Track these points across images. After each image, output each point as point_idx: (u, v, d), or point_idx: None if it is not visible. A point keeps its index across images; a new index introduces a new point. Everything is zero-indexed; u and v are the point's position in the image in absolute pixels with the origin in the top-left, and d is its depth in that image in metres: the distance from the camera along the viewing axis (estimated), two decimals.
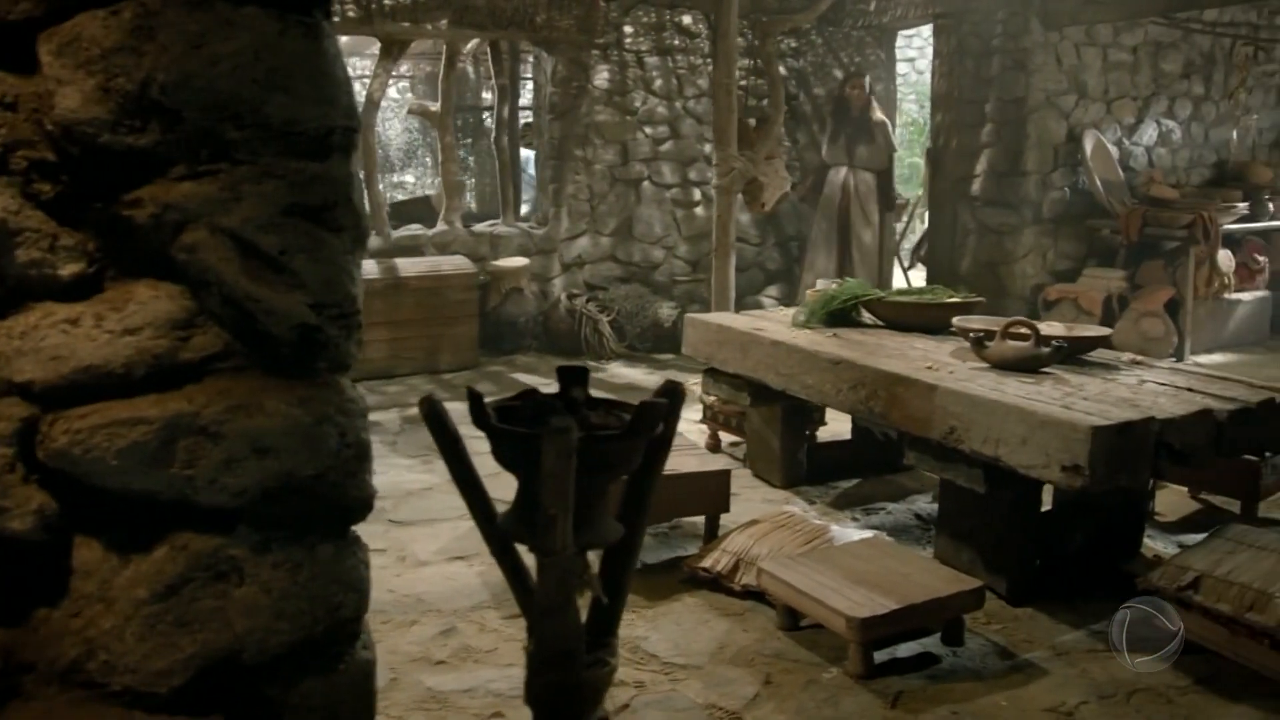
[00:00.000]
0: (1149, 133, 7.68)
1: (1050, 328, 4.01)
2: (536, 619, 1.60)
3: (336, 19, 6.69)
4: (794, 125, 8.48)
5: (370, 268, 6.77)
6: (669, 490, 3.65)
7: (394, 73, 11.46)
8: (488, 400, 1.69)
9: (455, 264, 6.99)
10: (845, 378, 3.78)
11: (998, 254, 7.37)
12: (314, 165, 1.59)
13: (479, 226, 7.68)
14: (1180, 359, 6.95)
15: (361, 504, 1.75)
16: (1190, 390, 3.42)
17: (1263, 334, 7.67)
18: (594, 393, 1.74)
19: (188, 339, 1.53)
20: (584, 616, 1.91)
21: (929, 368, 3.65)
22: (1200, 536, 3.47)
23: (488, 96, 10.19)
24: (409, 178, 11.14)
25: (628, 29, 7.74)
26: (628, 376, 6.77)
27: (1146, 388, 3.46)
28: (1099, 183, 7.15)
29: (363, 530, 4.26)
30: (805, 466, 4.56)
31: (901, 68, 11.47)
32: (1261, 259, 7.66)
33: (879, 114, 7.54)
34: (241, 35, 1.48)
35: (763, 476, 4.64)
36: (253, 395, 1.62)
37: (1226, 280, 7.15)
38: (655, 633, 3.23)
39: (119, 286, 1.51)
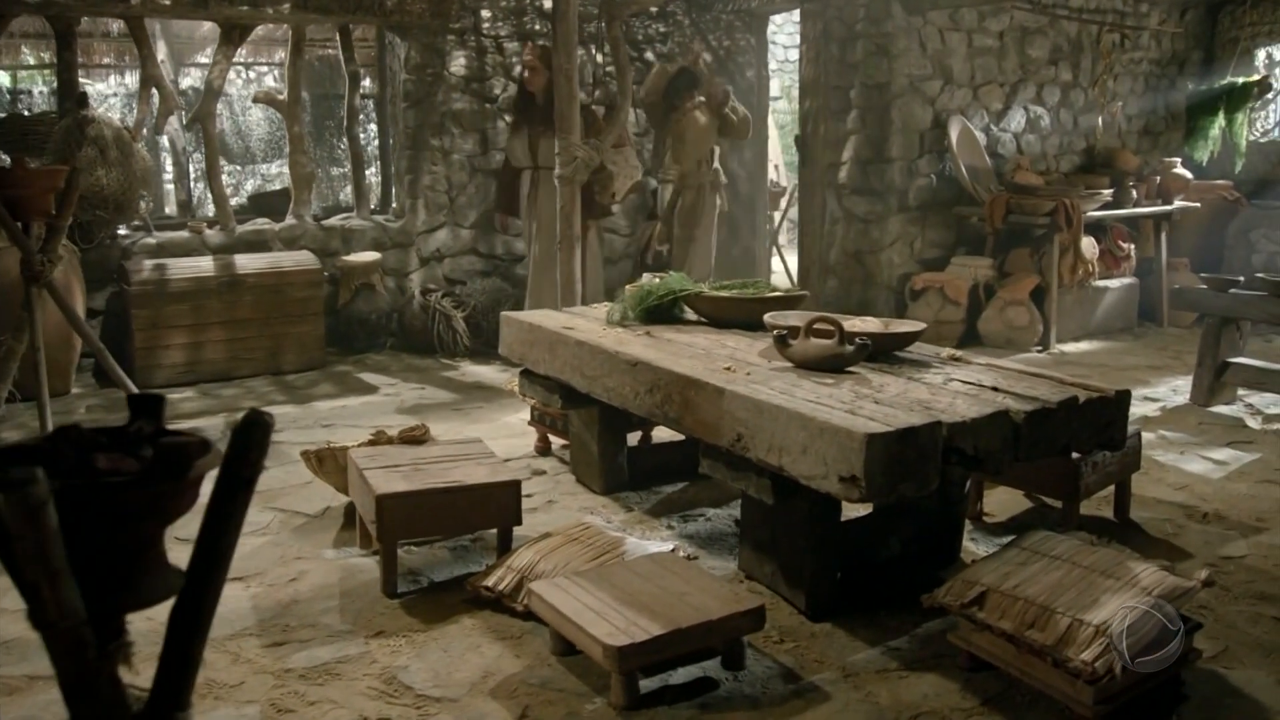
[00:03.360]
0: (1017, 119, 7.59)
1: (865, 323, 3.82)
2: (64, 696, 1.34)
3: (168, 2, 6.30)
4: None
5: (206, 265, 6.41)
6: (454, 503, 3.42)
7: (266, 61, 11.02)
8: (16, 443, 1.40)
9: (297, 259, 6.64)
10: (643, 380, 3.55)
11: (864, 243, 7.22)
12: None
13: (330, 220, 7.33)
14: (1046, 347, 6.88)
15: None
16: (995, 390, 3.25)
17: (1130, 320, 7.63)
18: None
19: None
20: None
21: (727, 369, 3.43)
22: None
23: (368, 84, 9.82)
24: (274, 168, 10.71)
25: (485, 13, 7.44)
26: (478, 374, 6.49)
27: (950, 387, 3.28)
28: (964, 169, 7.03)
29: None
30: (627, 471, 4.33)
31: (794, 54, 11.32)
32: (1127, 245, 7.61)
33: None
34: None
35: (584, 482, 4.41)
36: None
37: (1091, 267, 7.09)
38: (418, 661, 2.97)
39: None
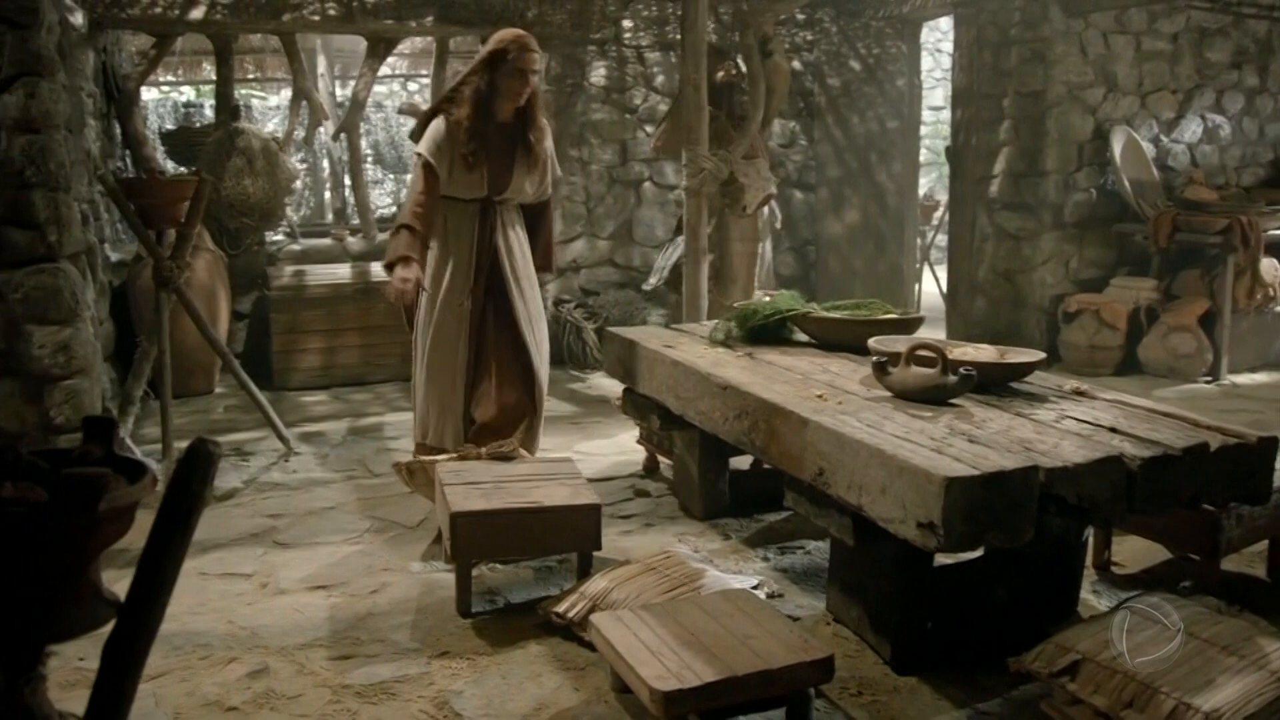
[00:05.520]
0: (1192, 129, 6.98)
1: (979, 351, 3.53)
2: None
3: (317, 17, 6.52)
4: (809, 122, 8.01)
5: (343, 271, 6.59)
6: (531, 524, 3.35)
7: (426, 73, 11.34)
8: None
9: None
10: (731, 405, 3.38)
11: (1015, 261, 6.79)
12: None
13: None
14: (1215, 378, 6.30)
15: None
16: (1112, 431, 2.93)
17: None
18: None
19: None
20: None
21: (819, 397, 3.23)
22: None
23: None
24: None
25: (627, 23, 7.40)
26: (604, 388, 6.42)
27: (1061, 426, 2.98)
28: (1128, 183, 6.51)
29: (239, 553, 4.04)
30: (728, 496, 4.16)
31: (947, 62, 10.86)
32: None
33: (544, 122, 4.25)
34: None
35: (685, 506, 4.27)
36: None
37: (1272, 291, 6.44)
38: (474, 687, 2.89)
39: None
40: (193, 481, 1.36)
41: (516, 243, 4.18)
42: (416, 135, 4.07)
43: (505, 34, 4.02)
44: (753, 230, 6.11)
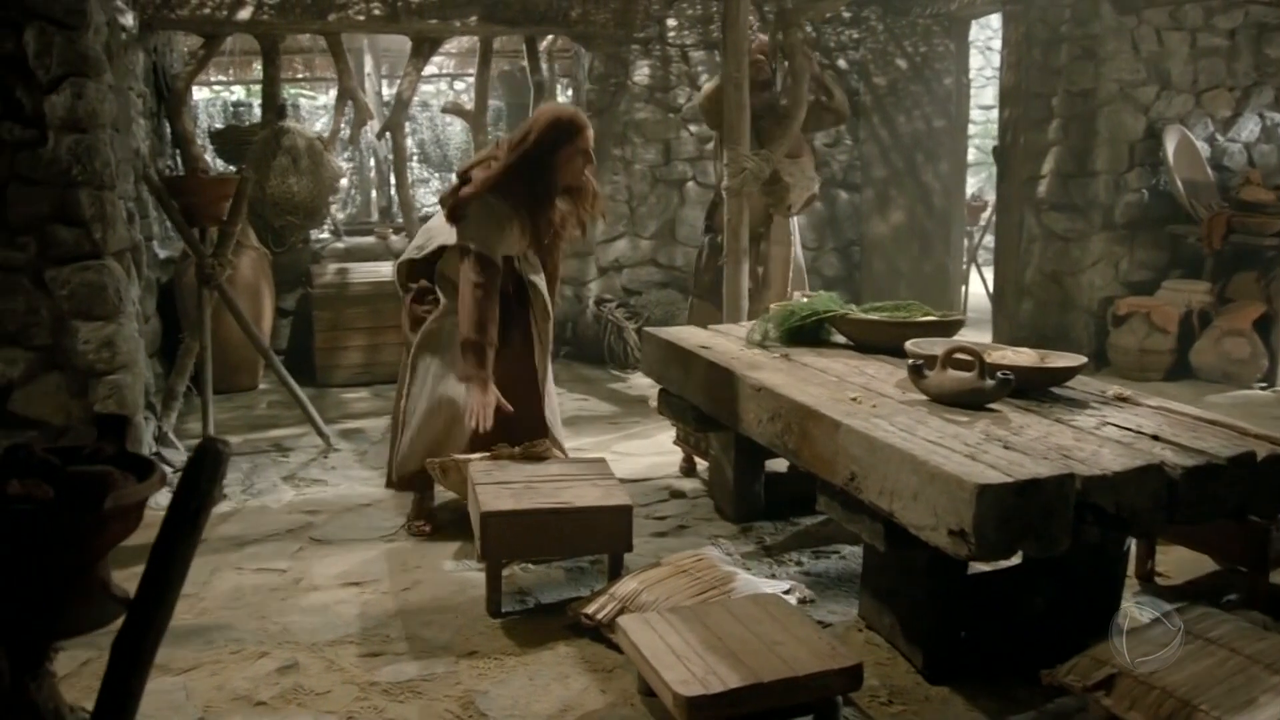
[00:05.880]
0: (1249, 127, 6.79)
1: (1019, 354, 3.46)
2: None
3: (362, 17, 6.57)
4: (855, 121, 7.91)
5: (385, 270, 6.62)
6: (561, 525, 3.34)
7: (473, 72, 11.39)
8: None
9: None
10: (765, 407, 3.35)
11: (1064, 263, 6.66)
12: None
13: None
14: (1271, 384, 6.14)
15: None
16: (1155, 438, 2.85)
17: None
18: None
19: None
20: None
21: (853, 399, 3.18)
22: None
23: (570, 94, 9.95)
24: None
25: (671, 22, 7.37)
26: (644, 387, 6.39)
27: (1102, 433, 2.91)
28: (1181, 184, 6.36)
29: (275, 549, 4.07)
30: (763, 499, 4.12)
31: (998, 60, 10.68)
32: None
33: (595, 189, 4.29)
34: None
35: (720, 509, 4.24)
36: None
37: None
38: (500, 687, 2.89)
39: None
40: (201, 480, 1.36)
41: (539, 272, 4.21)
42: (455, 215, 3.88)
43: (560, 116, 3.89)
44: (786, 233, 6.05)
